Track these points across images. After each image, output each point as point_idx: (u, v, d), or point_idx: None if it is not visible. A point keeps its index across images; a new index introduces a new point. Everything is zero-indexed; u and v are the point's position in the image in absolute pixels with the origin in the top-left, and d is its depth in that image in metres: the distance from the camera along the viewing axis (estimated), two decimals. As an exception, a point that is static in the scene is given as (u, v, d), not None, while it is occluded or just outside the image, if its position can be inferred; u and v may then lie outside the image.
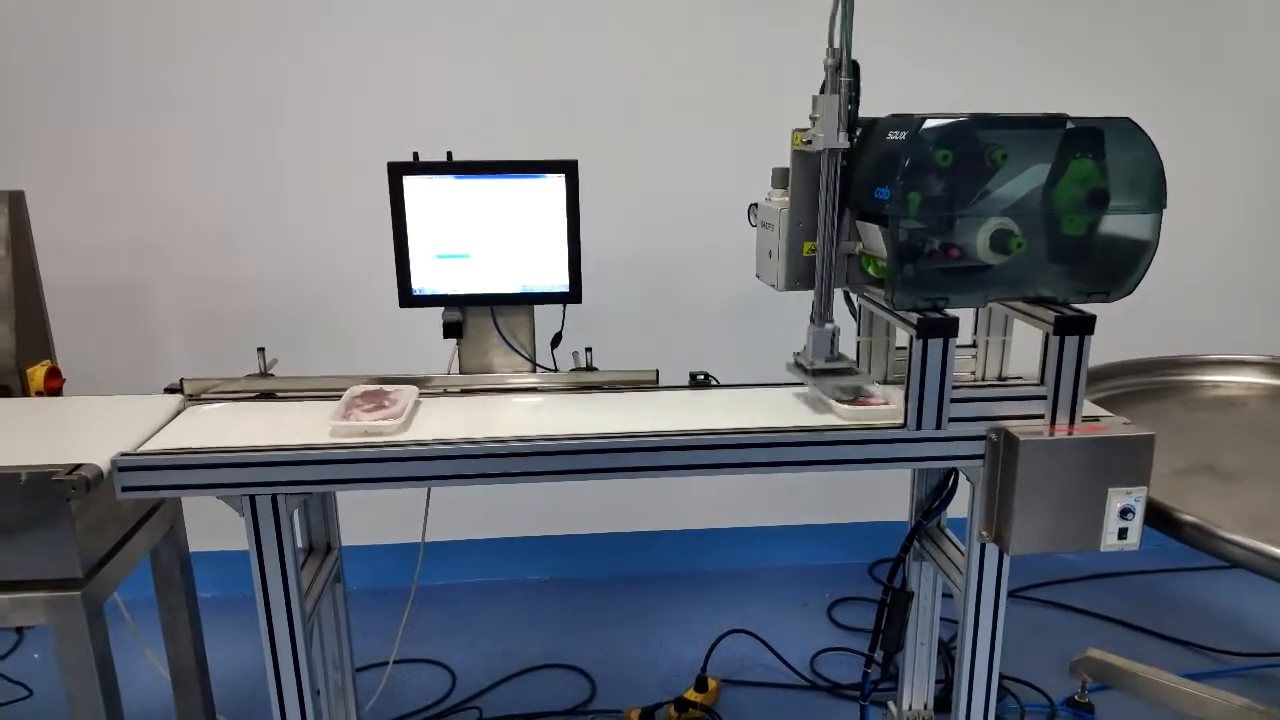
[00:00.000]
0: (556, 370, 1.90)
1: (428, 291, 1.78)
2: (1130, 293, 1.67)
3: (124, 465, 1.50)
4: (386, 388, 1.76)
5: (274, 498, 1.57)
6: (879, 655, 1.98)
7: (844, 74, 1.57)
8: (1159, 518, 1.62)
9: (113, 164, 2.73)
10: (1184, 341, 2.37)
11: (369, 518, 2.69)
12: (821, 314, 1.71)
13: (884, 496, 2.66)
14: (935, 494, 1.94)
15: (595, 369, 1.90)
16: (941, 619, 2.04)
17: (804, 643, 2.72)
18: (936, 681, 2.12)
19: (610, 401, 1.81)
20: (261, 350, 1.86)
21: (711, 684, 2.48)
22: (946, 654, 2.39)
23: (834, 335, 1.72)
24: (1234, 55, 3.02)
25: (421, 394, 1.81)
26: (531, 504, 3.07)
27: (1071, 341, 1.59)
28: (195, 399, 1.83)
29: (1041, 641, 2.69)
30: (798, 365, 1.76)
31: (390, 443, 1.57)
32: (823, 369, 1.72)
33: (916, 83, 2.66)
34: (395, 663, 2.59)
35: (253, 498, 1.56)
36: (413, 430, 1.63)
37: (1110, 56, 2.94)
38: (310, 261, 2.82)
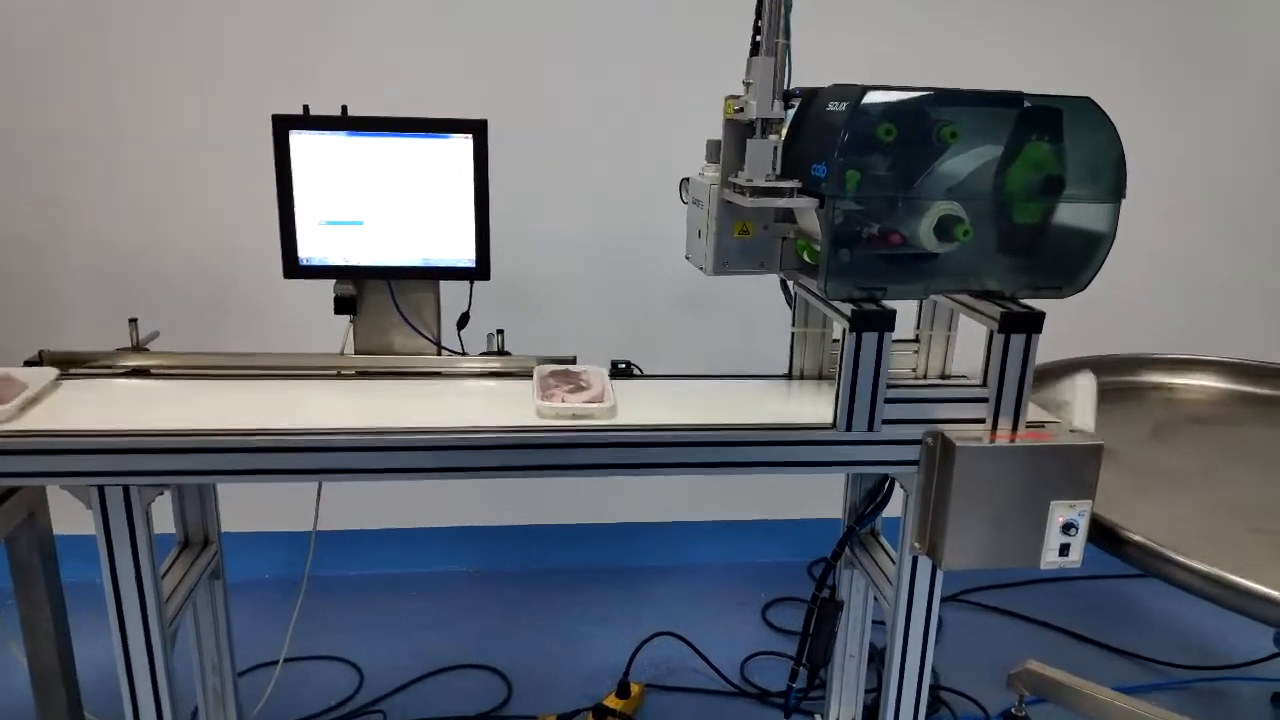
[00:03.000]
0: (464, 354, 1.74)
1: (316, 261, 1.60)
2: (1083, 289, 1.54)
3: (-53, 448, 1.32)
4: (573, 368, 1.65)
5: (125, 490, 1.39)
6: (805, 666, 1.86)
7: (780, 35, 1.41)
8: (1103, 534, 1.51)
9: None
10: (1128, 339, 2.27)
11: (271, 503, 2.51)
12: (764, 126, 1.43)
13: (824, 493, 2.51)
14: (869, 498, 1.81)
15: (508, 353, 1.74)
16: (874, 622, 1.92)
17: (735, 645, 2.60)
18: (868, 690, 2.00)
19: (517, 389, 1.65)
20: (133, 321, 1.67)
21: (634, 689, 2.35)
22: (879, 660, 2.27)
23: (776, 149, 1.43)
24: (1211, 41, 2.91)
25: (309, 376, 1.65)
26: (448, 492, 2.90)
27: (1018, 340, 1.46)
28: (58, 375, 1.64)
29: (980, 649, 2.59)
30: (733, 186, 1.47)
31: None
32: (764, 188, 1.42)
33: (871, 52, 2.53)
34: (300, 660, 2.44)
35: (101, 489, 1.38)
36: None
37: (1070, 34, 2.81)
38: (192, 227, 2.58)
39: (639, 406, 1.54)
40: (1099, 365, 2.15)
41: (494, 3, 2.54)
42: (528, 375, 1.69)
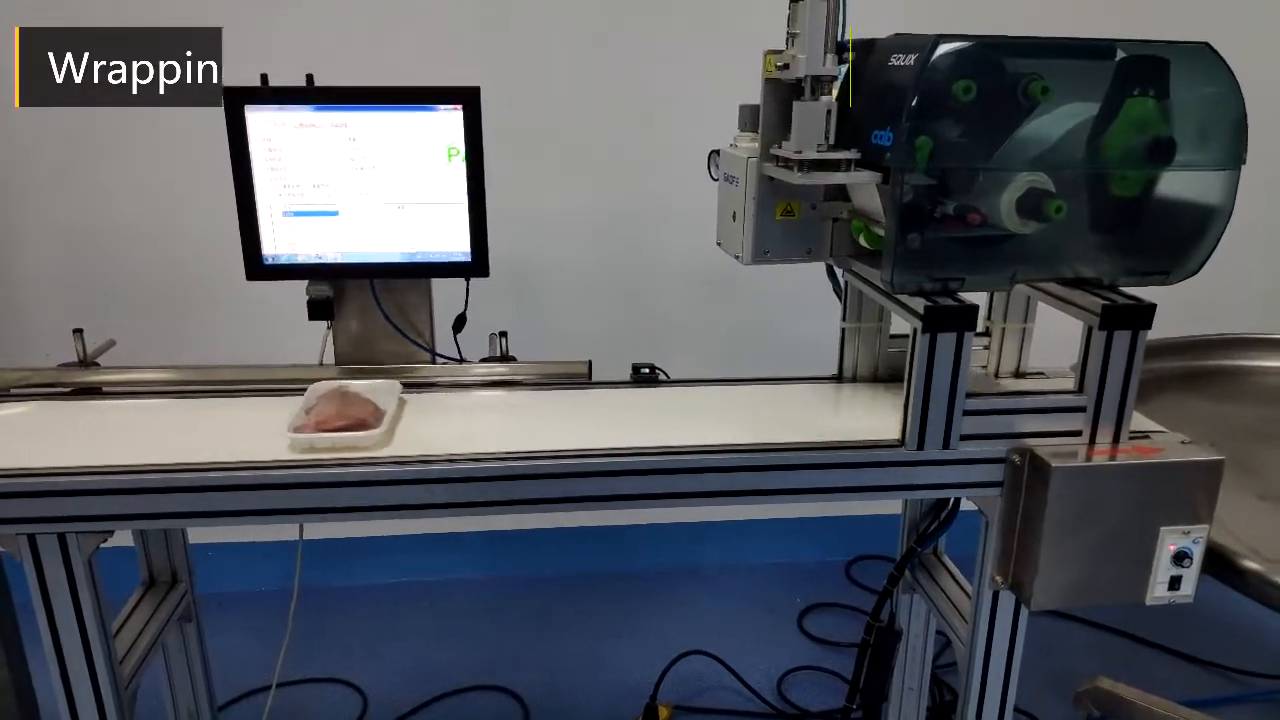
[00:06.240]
0: (462, 360, 1.51)
1: (284, 259, 1.36)
2: (1194, 273, 1.30)
3: None
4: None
5: (61, 538, 1.17)
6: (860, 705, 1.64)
7: (834, -28, 1.16)
8: (1217, 563, 1.28)
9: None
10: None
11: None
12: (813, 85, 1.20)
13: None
14: (932, 515, 1.58)
15: (513, 359, 1.51)
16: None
17: (771, 659, 2.38)
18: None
19: (530, 403, 1.42)
20: (78, 332, 1.45)
21: (663, 714, 2.14)
22: (937, 682, 2.05)
23: (829, 112, 1.20)
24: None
25: (284, 392, 1.42)
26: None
27: (1122, 337, 1.22)
28: (-9, 394, 1.42)
29: (1043, 659, 2.34)
30: (778, 160, 1.24)
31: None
32: (815, 160, 1.19)
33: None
34: (295, 684, 2.24)
35: (32, 538, 1.17)
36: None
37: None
38: (150, 224, 2.29)
39: (654, 420, 1.32)
40: (1181, 347, 1.92)
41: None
42: (537, 385, 1.47)
